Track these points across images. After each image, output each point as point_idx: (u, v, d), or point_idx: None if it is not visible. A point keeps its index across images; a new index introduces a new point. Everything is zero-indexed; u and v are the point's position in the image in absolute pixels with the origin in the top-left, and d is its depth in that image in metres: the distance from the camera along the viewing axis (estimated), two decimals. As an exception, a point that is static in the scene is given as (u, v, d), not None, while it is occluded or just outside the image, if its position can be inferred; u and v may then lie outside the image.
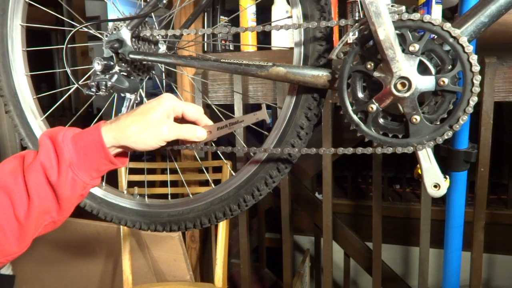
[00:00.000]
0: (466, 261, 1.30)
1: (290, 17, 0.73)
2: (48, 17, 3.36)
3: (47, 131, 0.65)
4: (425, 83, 0.60)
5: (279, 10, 1.46)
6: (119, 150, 0.66)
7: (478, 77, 0.58)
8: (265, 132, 0.79)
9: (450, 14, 1.29)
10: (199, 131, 0.69)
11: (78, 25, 0.79)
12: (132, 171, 1.44)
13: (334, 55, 0.66)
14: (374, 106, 0.64)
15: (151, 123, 0.64)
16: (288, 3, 1.13)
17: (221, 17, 1.56)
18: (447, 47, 0.59)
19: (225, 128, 0.70)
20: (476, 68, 0.57)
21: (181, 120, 0.70)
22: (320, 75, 0.68)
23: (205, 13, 1.55)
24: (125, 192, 0.94)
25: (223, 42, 1.55)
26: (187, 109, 0.68)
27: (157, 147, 0.66)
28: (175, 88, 1.00)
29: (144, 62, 0.82)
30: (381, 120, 0.66)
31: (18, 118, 0.93)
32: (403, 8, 0.60)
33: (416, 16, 0.59)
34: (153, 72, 0.88)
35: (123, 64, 0.79)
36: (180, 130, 0.66)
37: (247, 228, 1.62)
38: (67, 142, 0.61)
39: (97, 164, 0.63)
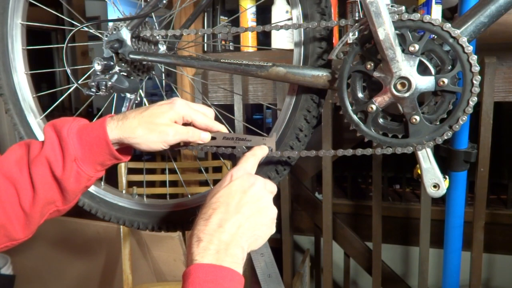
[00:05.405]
0: (466, 261, 1.30)
1: (291, 19, 0.73)
2: (48, 16, 3.36)
3: (52, 122, 0.65)
4: (425, 83, 0.60)
5: (279, 10, 1.45)
6: (124, 145, 0.66)
7: (478, 78, 0.58)
8: (264, 134, 0.79)
9: (450, 14, 1.29)
10: (203, 134, 0.70)
11: (78, 25, 0.79)
12: (131, 171, 1.44)
13: (334, 55, 0.66)
14: (374, 106, 0.64)
15: (157, 127, 0.64)
16: (288, 3, 1.12)
17: (221, 17, 1.55)
18: (447, 47, 0.59)
19: (230, 140, 0.71)
20: (476, 68, 0.57)
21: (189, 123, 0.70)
22: (320, 75, 0.68)
23: (205, 14, 1.55)
24: (124, 191, 0.94)
25: (223, 42, 1.55)
26: (197, 118, 0.68)
27: (160, 150, 0.67)
28: (174, 89, 1.00)
29: (144, 62, 0.82)
30: (380, 120, 0.66)
31: (17, 116, 0.93)
32: (403, 8, 0.60)
33: (416, 16, 0.59)
34: (153, 72, 0.88)
35: (123, 64, 0.79)
36: (185, 134, 0.67)
37: (247, 228, 1.61)
38: (72, 136, 0.62)
39: (102, 159, 0.64)
